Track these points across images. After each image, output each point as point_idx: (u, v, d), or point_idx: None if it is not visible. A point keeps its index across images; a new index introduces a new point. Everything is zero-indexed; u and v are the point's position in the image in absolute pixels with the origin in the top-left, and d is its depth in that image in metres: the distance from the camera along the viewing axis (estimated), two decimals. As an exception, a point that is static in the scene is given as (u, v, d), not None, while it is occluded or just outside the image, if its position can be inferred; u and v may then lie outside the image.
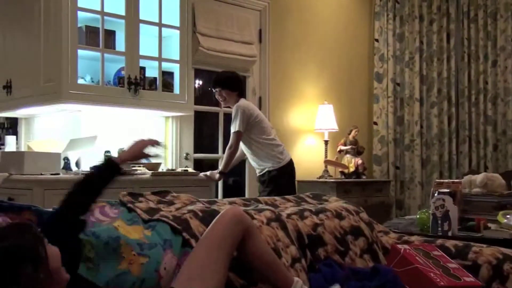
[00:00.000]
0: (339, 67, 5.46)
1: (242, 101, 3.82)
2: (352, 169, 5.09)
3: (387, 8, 5.74)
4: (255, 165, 3.92)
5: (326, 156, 5.06)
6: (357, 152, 5.17)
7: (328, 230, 2.14)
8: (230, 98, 3.80)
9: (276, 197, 2.39)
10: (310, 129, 5.10)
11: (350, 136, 5.19)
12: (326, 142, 5.06)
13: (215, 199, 2.25)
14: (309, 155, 5.11)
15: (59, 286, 1.26)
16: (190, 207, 1.93)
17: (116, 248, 1.62)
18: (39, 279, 1.16)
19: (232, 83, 3.80)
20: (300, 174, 4.99)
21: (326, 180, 4.91)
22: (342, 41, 5.51)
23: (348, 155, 5.14)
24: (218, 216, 1.75)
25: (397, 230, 2.65)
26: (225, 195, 4.57)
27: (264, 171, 3.83)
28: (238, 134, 3.71)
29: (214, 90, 3.86)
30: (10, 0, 3.74)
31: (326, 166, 5.04)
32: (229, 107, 3.90)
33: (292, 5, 5.05)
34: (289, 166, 3.89)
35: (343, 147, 5.18)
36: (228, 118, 4.70)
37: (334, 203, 2.43)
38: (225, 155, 3.76)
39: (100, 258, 1.57)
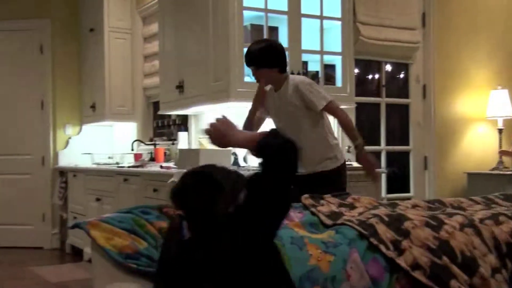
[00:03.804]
0: (513, 48, 4.93)
1: (300, 77, 3.03)
2: (531, 160, 4.58)
3: None
4: (320, 155, 2.91)
5: (500, 146, 4.61)
6: (537, 141, 4.65)
7: (531, 238, 1.91)
8: (269, 78, 2.87)
9: (461, 199, 2.20)
10: (481, 117, 4.68)
11: (529, 124, 4.67)
12: (500, 130, 4.61)
13: (397, 202, 2.13)
14: (480, 145, 4.71)
15: None
16: (373, 211, 1.85)
17: (302, 247, 1.65)
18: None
19: (270, 58, 2.83)
20: (471, 165, 4.64)
21: (501, 172, 4.48)
22: (516, 18, 4.96)
23: (526, 145, 4.64)
24: None
25: None
26: (388, 191, 4.42)
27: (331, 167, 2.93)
28: (333, 101, 2.85)
29: (248, 68, 2.97)
30: (180, 4, 3.96)
31: (500, 157, 4.60)
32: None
33: (458, -16, 4.66)
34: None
35: (520, 136, 4.68)
36: (392, 109, 4.53)
37: (531, 205, 2.17)
38: (350, 123, 2.90)
39: (290, 257, 1.60)
